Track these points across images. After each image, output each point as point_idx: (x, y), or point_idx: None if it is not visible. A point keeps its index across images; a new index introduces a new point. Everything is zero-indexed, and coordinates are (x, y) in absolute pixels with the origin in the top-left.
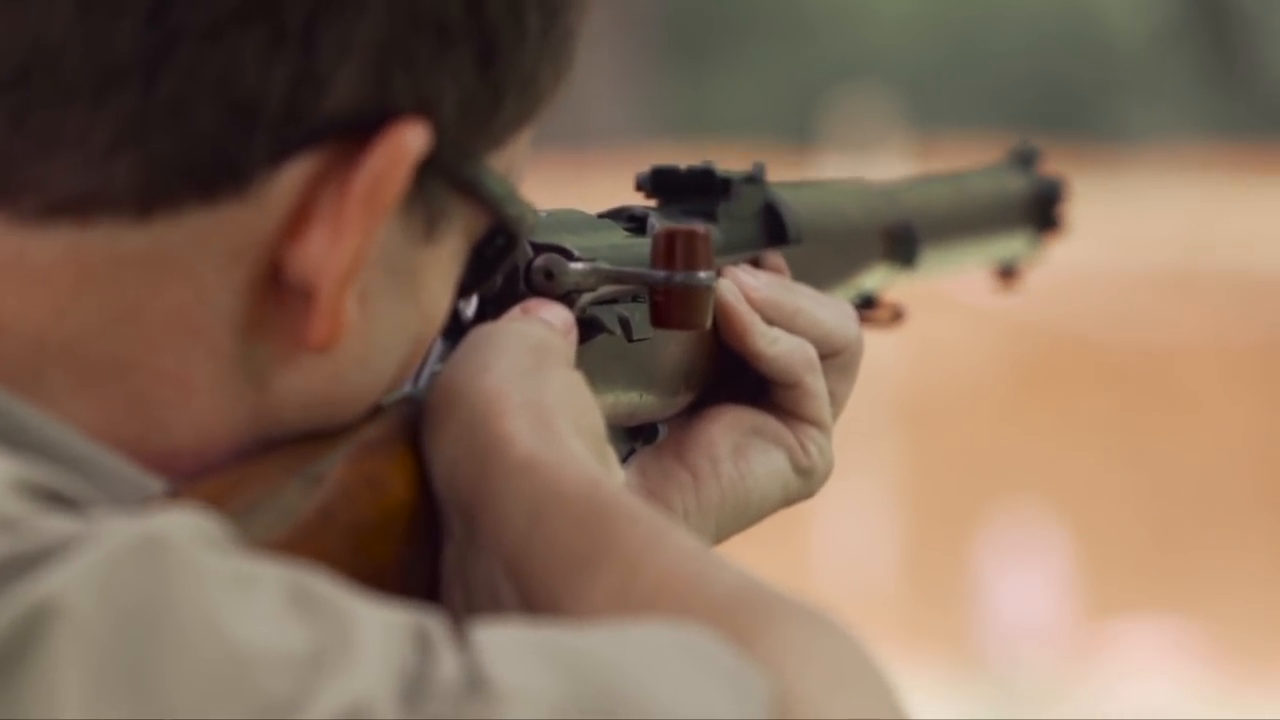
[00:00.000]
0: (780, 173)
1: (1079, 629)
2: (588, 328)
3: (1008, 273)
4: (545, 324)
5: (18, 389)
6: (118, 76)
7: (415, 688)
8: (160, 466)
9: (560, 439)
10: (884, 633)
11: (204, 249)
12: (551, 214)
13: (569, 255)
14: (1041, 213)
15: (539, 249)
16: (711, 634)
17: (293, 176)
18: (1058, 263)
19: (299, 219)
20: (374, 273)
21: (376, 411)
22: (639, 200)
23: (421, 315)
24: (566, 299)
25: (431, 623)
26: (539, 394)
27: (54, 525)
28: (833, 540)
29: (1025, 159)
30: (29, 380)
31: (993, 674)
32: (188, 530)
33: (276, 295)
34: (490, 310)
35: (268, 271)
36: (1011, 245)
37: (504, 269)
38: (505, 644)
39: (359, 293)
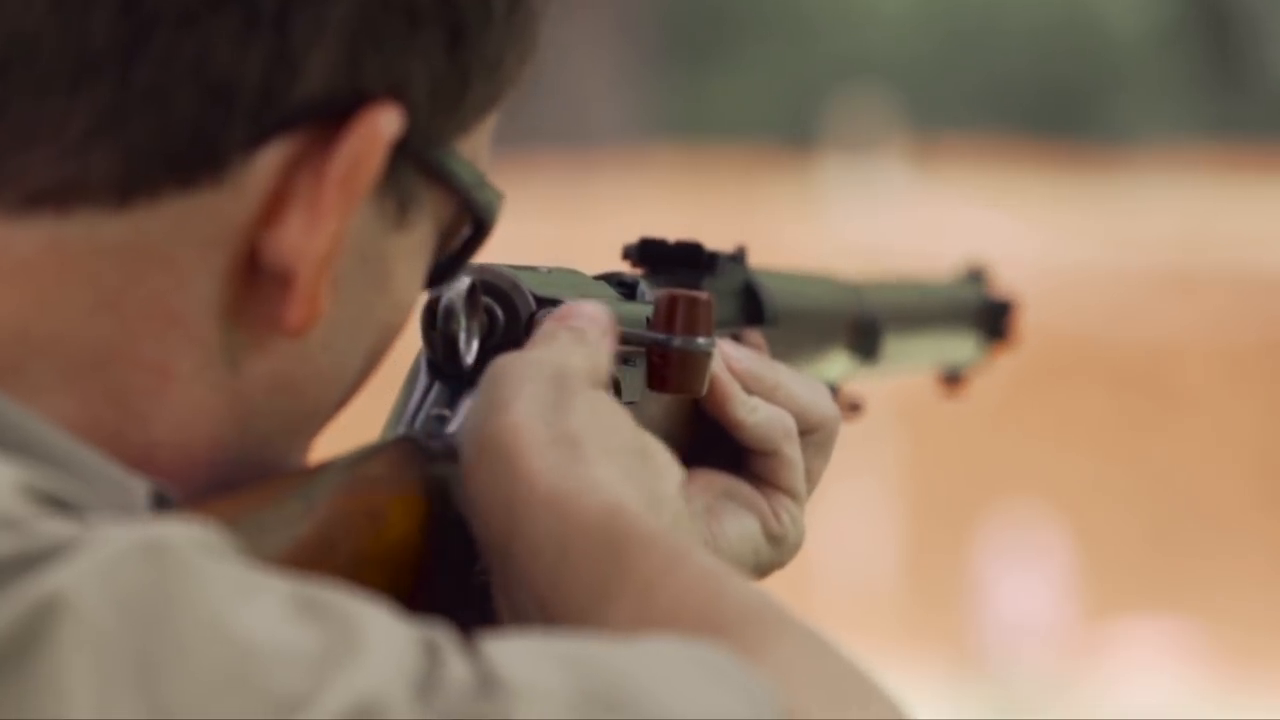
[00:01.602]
0: (780, 173)
1: (1079, 629)
2: None
3: (953, 378)
4: (572, 339)
5: (1, 383)
6: (94, 66)
7: (426, 686)
8: (140, 460)
9: (586, 467)
10: (884, 633)
11: (183, 236)
12: (552, 271)
13: None
14: (992, 324)
15: (542, 302)
16: (721, 647)
17: (269, 161)
18: (1058, 263)
19: (276, 204)
20: (345, 258)
21: (375, 448)
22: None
23: (390, 303)
24: None
25: (437, 632)
26: (563, 424)
27: (58, 527)
28: (833, 540)
29: (976, 276)
30: (12, 374)
31: (993, 674)
32: (189, 538)
33: (254, 281)
34: (491, 358)
35: (245, 257)
36: (961, 350)
37: (472, 257)
38: (516, 648)
39: (330, 278)
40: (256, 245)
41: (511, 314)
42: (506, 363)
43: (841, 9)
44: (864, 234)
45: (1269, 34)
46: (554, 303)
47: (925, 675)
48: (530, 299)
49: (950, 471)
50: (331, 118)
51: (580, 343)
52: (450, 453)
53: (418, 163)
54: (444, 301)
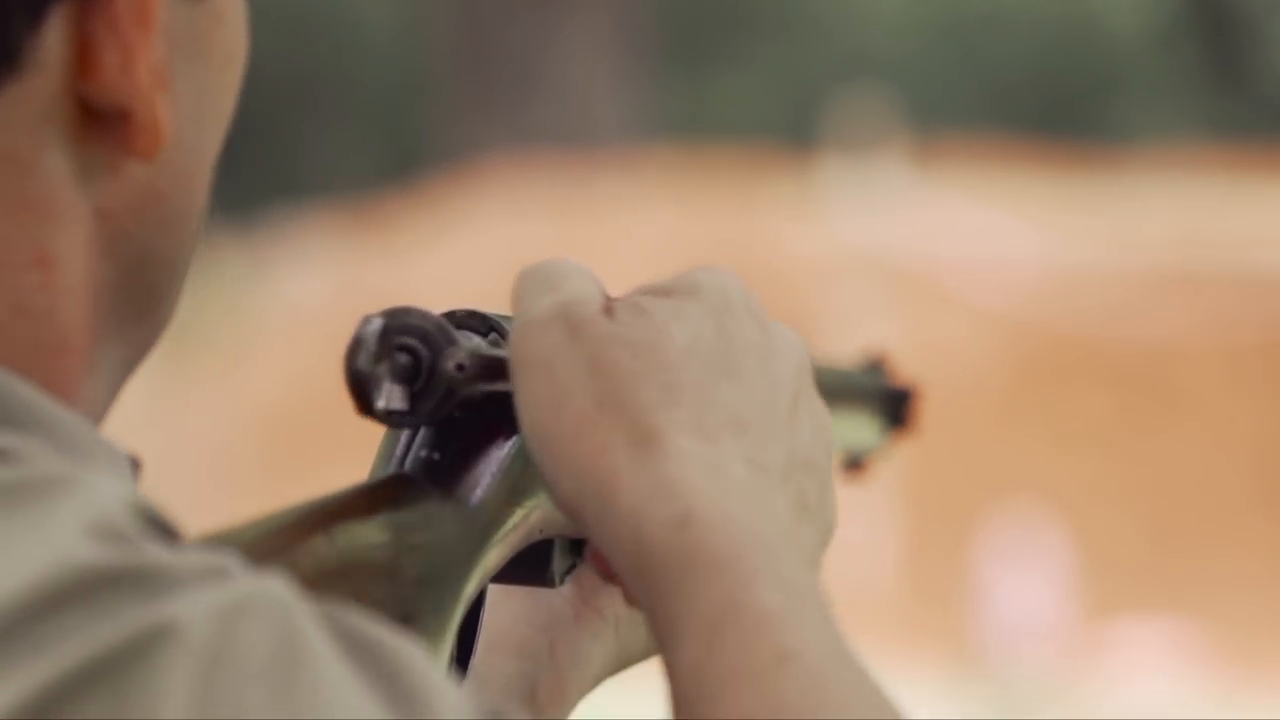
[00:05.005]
0: (780, 173)
1: (1079, 629)
2: None
3: (855, 465)
4: (541, 279)
5: None
6: None
7: None
8: (59, 356)
9: (659, 452)
10: (884, 633)
11: (10, 131)
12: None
13: None
14: (894, 411)
15: (464, 330)
16: None
17: (57, 30)
18: (1058, 262)
19: (84, 59)
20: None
21: (376, 483)
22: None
23: (220, 65)
24: None
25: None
26: (602, 386)
27: (169, 556)
28: (833, 539)
29: (876, 365)
30: None
31: (993, 674)
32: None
33: (95, 126)
34: (421, 399)
35: (78, 114)
36: (864, 435)
37: None
38: None
39: (164, 91)
40: (83, 99)
41: (435, 350)
42: (514, 358)
43: (842, 9)
44: (864, 234)
45: (1269, 34)
46: (478, 331)
47: (925, 675)
48: (454, 334)
49: (950, 471)
50: None
51: (549, 275)
52: (445, 491)
53: None
54: (354, 339)
